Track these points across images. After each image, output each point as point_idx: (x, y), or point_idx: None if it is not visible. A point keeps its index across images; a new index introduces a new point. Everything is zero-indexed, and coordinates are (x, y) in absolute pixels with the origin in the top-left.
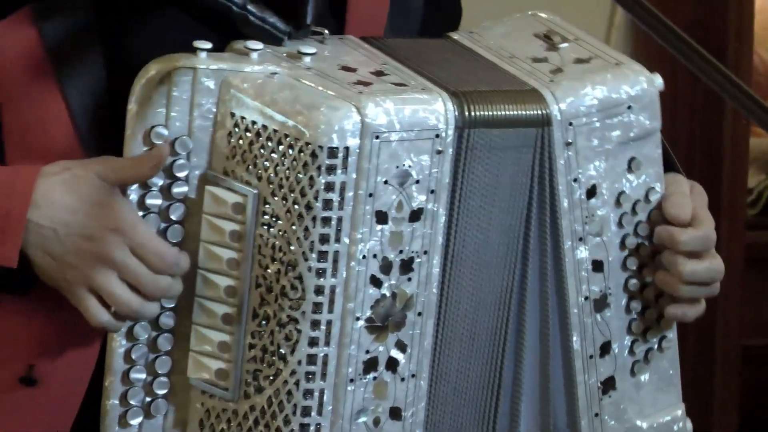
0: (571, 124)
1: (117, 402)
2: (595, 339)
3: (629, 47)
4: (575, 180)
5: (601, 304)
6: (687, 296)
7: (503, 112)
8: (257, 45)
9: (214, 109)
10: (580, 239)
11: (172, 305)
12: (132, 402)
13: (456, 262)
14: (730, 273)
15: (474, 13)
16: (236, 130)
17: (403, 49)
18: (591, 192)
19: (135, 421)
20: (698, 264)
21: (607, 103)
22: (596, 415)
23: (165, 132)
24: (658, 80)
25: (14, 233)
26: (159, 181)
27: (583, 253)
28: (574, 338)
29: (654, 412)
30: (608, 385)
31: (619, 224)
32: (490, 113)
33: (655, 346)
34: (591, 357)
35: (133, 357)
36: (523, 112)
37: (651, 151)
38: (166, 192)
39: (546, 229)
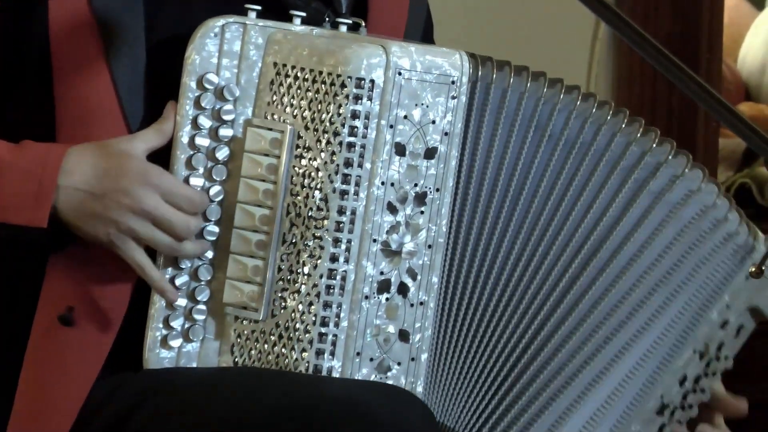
0: (757, 263)
1: (161, 325)
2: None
3: (612, 58)
4: (728, 306)
5: (661, 410)
6: None
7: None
8: (301, 13)
9: (260, 62)
10: (694, 351)
11: (214, 238)
12: (173, 325)
13: (467, 208)
14: None
15: (470, 17)
16: (278, 77)
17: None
18: (723, 325)
19: (175, 343)
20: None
21: None
22: None
23: (215, 79)
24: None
25: (45, 198)
26: (208, 123)
27: (685, 363)
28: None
29: None
30: None
31: (707, 365)
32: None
33: None
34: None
35: (177, 284)
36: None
37: (748, 330)
38: (213, 134)
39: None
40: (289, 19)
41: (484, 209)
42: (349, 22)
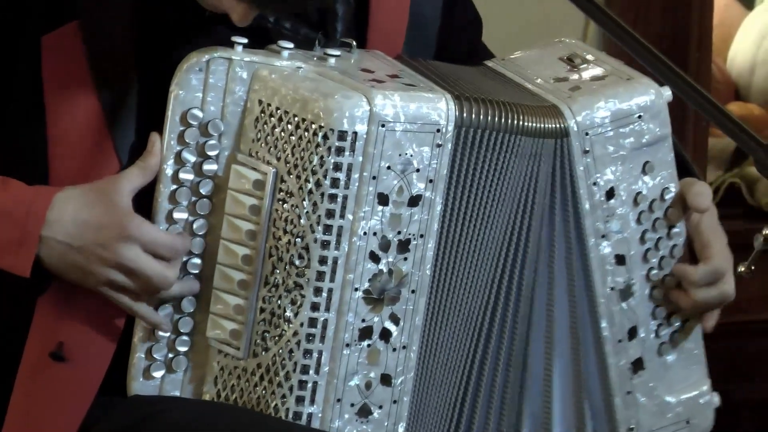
0: (587, 134)
1: (143, 356)
2: (623, 325)
3: None
4: (594, 183)
5: (625, 293)
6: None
7: (516, 121)
8: (289, 44)
9: (245, 97)
10: (603, 236)
11: (197, 271)
12: (156, 356)
13: (450, 249)
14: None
15: None
16: (262, 115)
17: (426, 65)
18: (609, 194)
19: (158, 374)
20: (709, 291)
21: (618, 114)
22: (628, 393)
23: (200, 114)
24: (667, 92)
25: (28, 248)
26: (192, 158)
27: (606, 248)
28: (603, 325)
29: (682, 388)
30: (637, 365)
31: (638, 221)
32: (487, 117)
33: (679, 329)
34: (620, 341)
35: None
36: (541, 125)
37: (664, 155)
38: (197, 168)
39: (570, 228)
40: (277, 45)
41: (468, 250)
42: (338, 53)
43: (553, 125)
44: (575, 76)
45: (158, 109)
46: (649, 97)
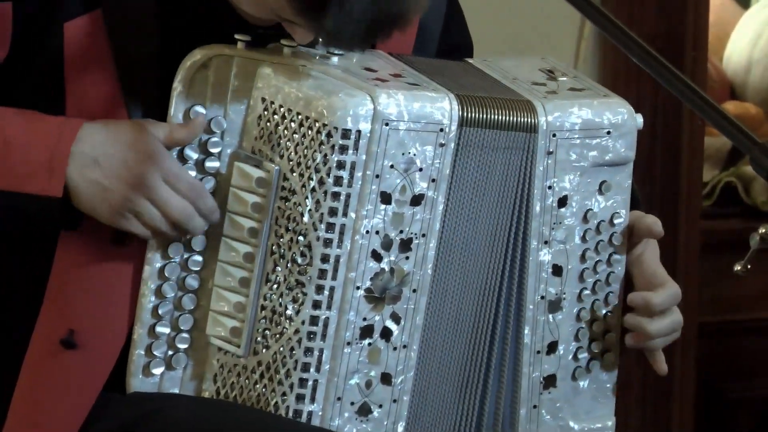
0: (554, 135)
1: (143, 352)
2: (544, 336)
3: (597, 57)
4: (549, 187)
5: (554, 306)
6: (652, 347)
7: (495, 116)
8: (292, 43)
9: (248, 96)
10: (546, 242)
11: (198, 269)
12: (156, 353)
13: (447, 247)
14: (687, 258)
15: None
16: (265, 113)
17: (422, 63)
18: (562, 201)
19: (157, 371)
20: (662, 321)
21: (589, 124)
22: (534, 407)
23: (203, 111)
24: (640, 119)
25: (59, 166)
26: (194, 155)
27: (546, 255)
28: (526, 331)
29: (587, 418)
30: (549, 382)
31: (583, 238)
32: (485, 116)
33: (598, 358)
34: (538, 352)
35: (160, 312)
36: (514, 118)
37: (622, 179)
38: (200, 166)
39: (520, 228)
40: (280, 44)
41: (470, 250)
42: (341, 52)
43: (524, 119)
44: (553, 85)
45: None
46: (622, 116)
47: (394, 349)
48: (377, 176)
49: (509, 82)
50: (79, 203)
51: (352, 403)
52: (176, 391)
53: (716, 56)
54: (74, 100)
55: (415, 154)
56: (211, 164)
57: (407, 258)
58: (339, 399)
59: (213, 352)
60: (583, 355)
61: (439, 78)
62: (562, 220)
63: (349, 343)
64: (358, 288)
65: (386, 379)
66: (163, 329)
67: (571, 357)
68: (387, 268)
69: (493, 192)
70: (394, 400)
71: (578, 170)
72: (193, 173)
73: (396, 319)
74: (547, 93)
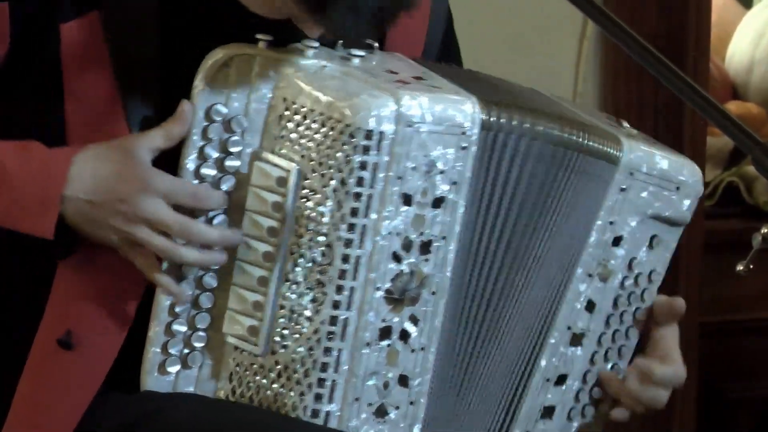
0: (632, 173)
1: (159, 350)
2: (558, 367)
3: (599, 57)
4: (612, 222)
5: (577, 340)
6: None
7: (559, 133)
8: (314, 43)
9: (270, 95)
10: (590, 275)
11: (216, 267)
12: (172, 351)
13: (473, 252)
14: (689, 257)
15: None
16: (287, 113)
17: (442, 68)
18: (617, 241)
19: (173, 369)
20: (655, 391)
21: (665, 175)
22: None
23: (224, 110)
24: (702, 187)
25: (51, 209)
26: (214, 154)
27: (585, 288)
28: (545, 356)
29: None
30: (548, 413)
31: (621, 284)
32: (516, 122)
33: (593, 405)
34: (548, 380)
35: (177, 310)
36: (593, 144)
37: (671, 240)
38: (220, 164)
39: (572, 252)
40: (301, 44)
41: (487, 252)
42: (362, 53)
43: (609, 150)
44: (625, 129)
45: (178, 99)
46: (694, 178)
47: (412, 351)
48: (399, 178)
49: (587, 113)
50: (87, 237)
51: (370, 404)
52: (191, 390)
53: (718, 56)
54: (73, 101)
55: (437, 157)
56: (231, 163)
57: (427, 260)
58: (357, 400)
59: (229, 351)
60: (584, 398)
61: (465, 83)
62: (609, 259)
63: (368, 344)
64: (378, 289)
65: (403, 381)
66: (180, 327)
67: (573, 395)
68: (407, 270)
69: (549, 208)
70: (411, 402)
71: (640, 216)
72: (213, 172)
73: (414, 321)
74: (627, 133)
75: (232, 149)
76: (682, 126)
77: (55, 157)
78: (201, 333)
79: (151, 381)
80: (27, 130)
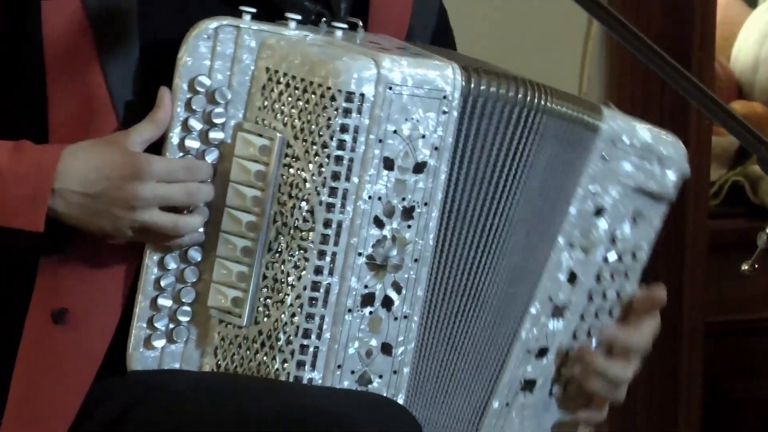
0: (614, 142)
1: (144, 325)
2: (539, 339)
3: (605, 57)
4: (593, 192)
5: (558, 312)
6: (596, 392)
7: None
8: (296, 16)
9: (252, 66)
10: (571, 245)
11: (200, 240)
12: (157, 326)
13: (455, 220)
14: (694, 257)
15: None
16: (269, 82)
17: (427, 47)
18: (599, 212)
19: (158, 344)
20: (613, 363)
21: (648, 147)
22: (507, 404)
23: (207, 81)
24: (686, 164)
25: (41, 202)
26: (198, 126)
27: (567, 258)
28: (526, 326)
29: None
30: (528, 385)
31: (605, 259)
32: (495, 89)
33: (572, 383)
34: (528, 352)
35: (162, 284)
36: (572, 111)
37: (653, 216)
38: (204, 136)
39: (553, 219)
40: (284, 20)
41: (471, 221)
42: (345, 26)
43: (587, 117)
44: (612, 107)
45: (164, 76)
46: (678, 152)
47: (395, 319)
48: (380, 141)
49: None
50: (84, 230)
51: (353, 372)
52: (176, 366)
53: (723, 56)
54: (56, 89)
55: (418, 120)
56: (215, 135)
57: (409, 226)
58: (339, 367)
59: (214, 325)
60: (567, 374)
61: (447, 55)
62: (591, 230)
63: (350, 311)
64: (360, 254)
65: (386, 349)
66: (165, 302)
67: (553, 370)
68: (389, 236)
69: (521, 173)
70: (395, 372)
71: (622, 188)
72: (197, 144)
73: (397, 288)
74: (611, 109)
75: (216, 120)
76: (688, 125)
77: (46, 153)
78: (186, 308)
79: (137, 356)
80: (7, 110)
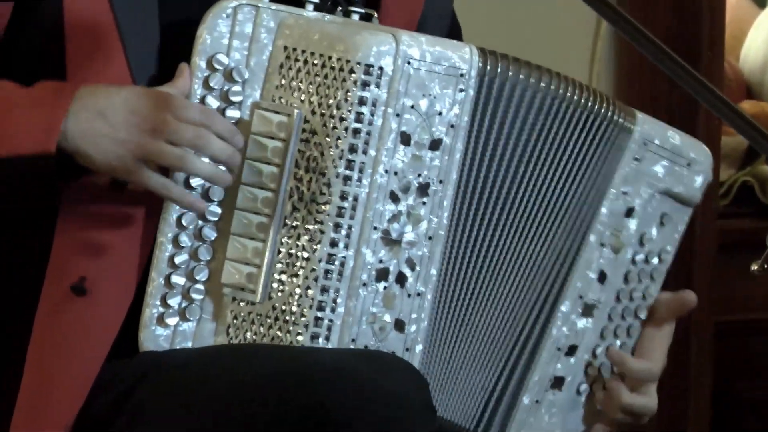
0: (646, 144)
1: (158, 302)
2: (569, 337)
3: (613, 56)
4: (625, 193)
5: (587, 311)
6: (617, 421)
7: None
8: (315, 0)
9: (270, 45)
10: (602, 244)
11: (216, 219)
12: (170, 303)
13: (469, 199)
14: (704, 257)
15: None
16: (287, 61)
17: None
18: (629, 212)
19: (171, 321)
20: (637, 398)
21: (677, 150)
22: (537, 401)
23: (225, 60)
24: (711, 171)
25: (55, 122)
26: (215, 104)
27: (598, 257)
28: (557, 324)
29: None
30: (557, 383)
31: (633, 260)
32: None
33: (600, 381)
34: (558, 349)
35: (176, 262)
36: (602, 109)
37: (679, 221)
38: (221, 114)
39: (586, 216)
40: (302, 5)
41: (487, 204)
42: (362, 11)
43: (619, 118)
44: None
45: (183, 56)
46: (705, 157)
47: (409, 296)
48: (398, 115)
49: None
50: (91, 163)
51: (366, 347)
52: (188, 345)
53: (732, 55)
54: (76, 63)
55: (435, 97)
56: (232, 113)
57: (424, 203)
58: (353, 341)
59: (227, 303)
60: (593, 373)
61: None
62: (621, 230)
63: (365, 284)
64: (375, 228)
65: (399, 326)
66: (179, 280)
67: (582, 368)
68: (404, 211)
69: (548, 159)
70: (407, 349)
71: (652, 189)
72: None
73: (411, 265)
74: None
75: (233, 99)
76: (697, 125)
77: (64, 84)
78: (199, 285)
79: (149, 334)
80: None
